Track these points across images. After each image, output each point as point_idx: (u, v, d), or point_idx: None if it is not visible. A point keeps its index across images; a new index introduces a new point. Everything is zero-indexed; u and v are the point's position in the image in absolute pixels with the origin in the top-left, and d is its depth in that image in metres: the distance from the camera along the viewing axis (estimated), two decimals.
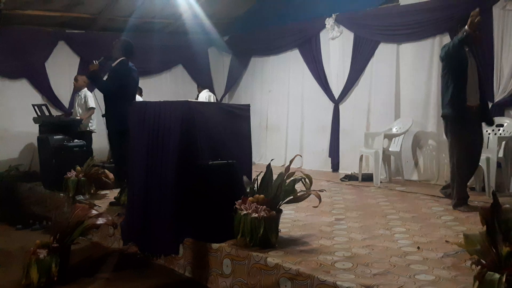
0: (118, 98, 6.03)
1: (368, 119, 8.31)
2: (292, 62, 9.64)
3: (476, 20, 4.98)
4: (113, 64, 6.23)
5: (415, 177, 7.59)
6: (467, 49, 5.37)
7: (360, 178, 7.55)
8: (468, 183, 5.66)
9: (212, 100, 10.11)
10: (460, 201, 5.44)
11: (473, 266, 2.77)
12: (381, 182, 7.22)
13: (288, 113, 9.81)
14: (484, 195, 6.06)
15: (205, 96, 10.02)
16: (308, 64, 9.20)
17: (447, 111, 5.36)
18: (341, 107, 8.70)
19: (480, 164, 5.88)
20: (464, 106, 5.29)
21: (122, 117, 5.58)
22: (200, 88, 10.09)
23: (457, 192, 5.46)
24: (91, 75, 6.27)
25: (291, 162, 4.38)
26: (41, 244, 4.42)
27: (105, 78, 6.45)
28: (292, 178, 4.26)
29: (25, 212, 7.44)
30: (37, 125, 8.30)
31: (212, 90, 10.63)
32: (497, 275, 2.55)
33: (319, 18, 8.82)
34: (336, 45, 8.71)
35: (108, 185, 7.00)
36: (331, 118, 8.79)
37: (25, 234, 6.29)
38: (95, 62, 6.25)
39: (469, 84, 5.31)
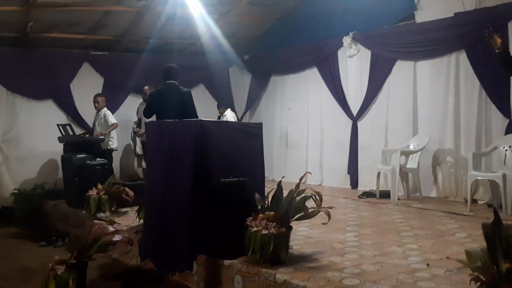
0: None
1: (386, 136, 8.31)
2: (310, 80, 9.73)
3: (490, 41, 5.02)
4: None
5: (433, 194, 7.55)
6: None
7: (377, 195, 7.55)
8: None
9: (236, 119, 10.23)
10: None
11: (473, 282, 2.79)
12: (398, 199, 7.21)
13: (307, 131, 9.87)
14: (501, 212, 6.00)
15: (233, 115, 10.12)
16: (327, 82, 9.28)
17: None
18: (359, 124, 8.74)
19: (496, 180, 5.84)
20: None
21: None
22: (223, 109, 10.08)
23: None
24: None
25: (300, 179, 4.44)
26: (59, 260, 4.53)
27: None
28: (302, 195, 4.31)
29: (49, 229, 7.65)
30: (62, 144, 8.55)
31: (233, 108, 10.73)
32: None
33: (337, 37, 8.91)
34: (354, 63, 8.78)
35: (129, 202, 7.15)
36: (350, 135, 8.84)
37: (48, 251, 6.45)
38: None
39: None
